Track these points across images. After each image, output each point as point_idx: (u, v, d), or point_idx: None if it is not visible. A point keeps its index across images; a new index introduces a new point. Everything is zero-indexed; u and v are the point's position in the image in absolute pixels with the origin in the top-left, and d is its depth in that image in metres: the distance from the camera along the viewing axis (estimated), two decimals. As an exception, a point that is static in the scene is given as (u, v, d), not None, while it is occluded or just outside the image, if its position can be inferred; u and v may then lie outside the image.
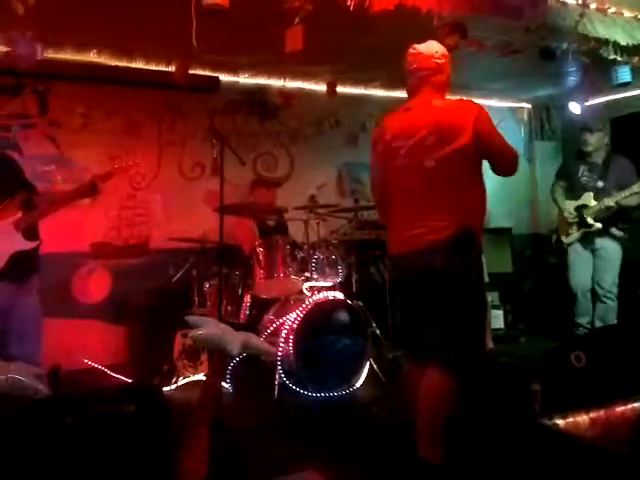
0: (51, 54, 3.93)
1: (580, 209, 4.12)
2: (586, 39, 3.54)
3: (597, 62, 3.88)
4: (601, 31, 3.49)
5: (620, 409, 1.57)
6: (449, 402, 2.18)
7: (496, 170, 2.29)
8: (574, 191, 4.20)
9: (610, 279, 4.06)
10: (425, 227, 2.19)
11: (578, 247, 4.18)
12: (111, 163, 4.29)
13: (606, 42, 3.59)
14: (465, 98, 2.35)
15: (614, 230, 4.06)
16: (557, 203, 4.32)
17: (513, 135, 6.20)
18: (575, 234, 4.16)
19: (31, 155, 4.15)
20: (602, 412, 1.53)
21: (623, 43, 3.58)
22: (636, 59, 3.92)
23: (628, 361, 2.17)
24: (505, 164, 2.28)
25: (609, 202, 3.96)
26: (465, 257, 2.19)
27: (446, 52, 2.39)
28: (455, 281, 2.17)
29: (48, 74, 4.06)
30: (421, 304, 2.29)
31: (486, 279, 4.18)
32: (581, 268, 4.17)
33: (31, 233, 2.83)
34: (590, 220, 4.05)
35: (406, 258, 2.27)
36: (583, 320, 4.17)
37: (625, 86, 4.24)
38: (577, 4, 3.36)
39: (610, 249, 4.07)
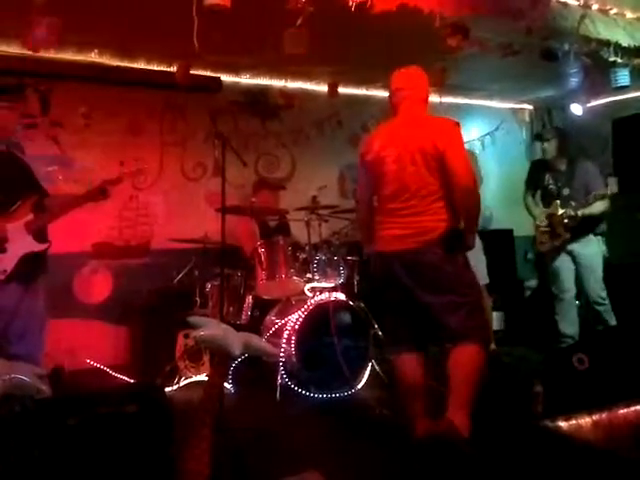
0: (53, 54, 3.94)
1: (550, 218, 4.09)
2: (587, 40, 3.55)
3: (598, 63, 3.88)
4: (603, 32, 3.49)
5: (622, 412, 1.57)
6: (483, 368, 2.41)
7: (454, 189, 2.44)
8: (544, 199, 4.18)
9: (596, 286, 3.99)
10: (413, 229, 2.47)
11: (558, 254, 4.11)
12: (113, 163, 4.34)
13: (607, 43, 3.59)
14: (466, 99, 2.45)
15: (591, 236, 4.01)
16: (530, 212, 4.28)
17: (514, 136, 6.20)
18: (548, 244, 4.11)
19: (33, 155, 4.10)
20: (605, 415, 1.53)
21: (624, 44, 3.58)
22: (637, 61, 3.92)
23: (630, 363, 2.17)
24: (461, 183, 2.43)
25: (571, 212, 3.93)
26: (453, 254, 2.46)
27: (425, 74, 2.68)
28: (451, 275, 2.46)
29: (50, 74, 4.07)
30: (412, 296, 2.52)
31: (487, 280, 4.19)
32: (565, 274, 4.10)
33: (41, 235, 2.85)
34: (559, 229, 4.00)
35: (396, 255, 2.52)
36: (569, 330, 4.07)
37: (623, 89, 4.25)
38: (579, 5, 3.36)
39: (589, 255, 4.01)
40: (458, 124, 2.51)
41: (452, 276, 2.46)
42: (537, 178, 4.25)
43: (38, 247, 2.81)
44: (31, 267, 2.79)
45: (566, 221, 3.97)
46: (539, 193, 4.24)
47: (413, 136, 2.50)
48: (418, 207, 2.47)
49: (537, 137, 4.18)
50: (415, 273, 2.49)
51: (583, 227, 3.98)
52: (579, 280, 4.08)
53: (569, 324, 4.09)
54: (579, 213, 3.91)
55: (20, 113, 2.90)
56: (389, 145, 2.56)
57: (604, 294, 4.01)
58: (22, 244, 2.75)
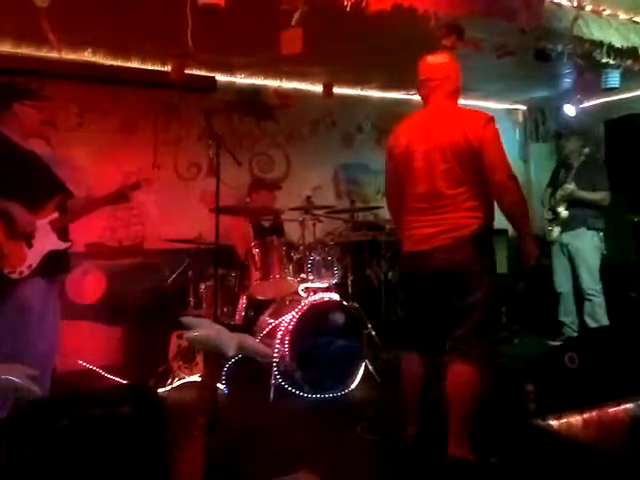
0: (45, 53, 3.92)
1: (554, 203, 4.32)
2: (581, 41, 3.56)
3: (591, 65, 3.90)
4: (596, 33, 3.50)
5: (613, 410, 1.58)
6: (479, 393, 2.30)
7: (491, 187, 2.33)
8: (555, 194, 4.36)
9: (588, 277, 4.18)
10: (444, 225, 2.33)
11: (558, 249, 4.35)
12: (106, 163, 4.34)
13: (601, 44, 3.60)
14: (460, 100, 2.45)
15: (590, 220, 4.19)
16: (545, 207, 4.50)
17: (508, 137, 6.23)
18: (555, 230, 4.30)
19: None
20: (595, 413, 1.54)
21: (618, 45, 3.59)
22: (629, 62, 3.94)
23: (621, 363, 2.18)
24: (497, 180, 2.29)
25: (568, 188, 4.14)
26: (485, 253, 2.36)
27: (455, 62, 2.54)
28: (477, 276, 2.33)
29: (42, 73, 4.04)
30: (438, 300, 2.42)
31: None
32: (561, 270, 4.36)
33: (64, 234, 2.88)
34: (559, 209, 4.22)
35: (425, 255, 2.39)
36: (567, 319, 4.34)
37: (613, 90, 4.34)
38: (572, 6, 3.37)
39: (584, 248, 4.21)
40: (492, 118, 2.36)
41: (477, 277, 2.33)
42: (556, 177, 4.46)
43: (62, 245, 2.84)
44: (54, 265, 2.81)
45: (565, 197, 4.19)
46: (553, 190, 4.41)
47: (444, 131, 2.35)
48: (450, 206, 2.33)
49: (559, 135, 4.39)
50: (442, 273, 2.36)
51: (586, 210, 4.16)
52: (575, 273, 4.27)
53: (566, 314, 4.34)
54: (571, 188, 4.13)
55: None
56: (418, 140, 2.41)
57: (598, 287, 4.16)
58: (47, 241, 2.77)
